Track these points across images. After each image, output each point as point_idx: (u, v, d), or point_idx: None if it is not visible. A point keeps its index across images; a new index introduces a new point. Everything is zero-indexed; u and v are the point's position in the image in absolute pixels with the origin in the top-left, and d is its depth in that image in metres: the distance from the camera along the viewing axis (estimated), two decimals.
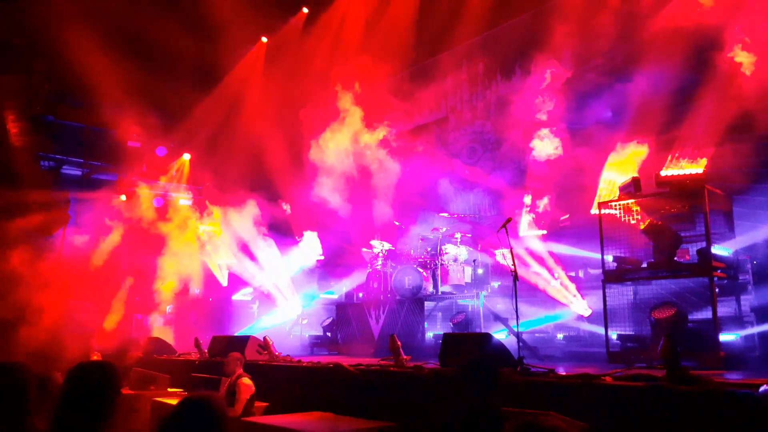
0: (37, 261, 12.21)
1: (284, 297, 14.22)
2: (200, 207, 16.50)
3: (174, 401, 2.76)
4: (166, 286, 14.20)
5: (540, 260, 10.24)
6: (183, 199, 16.58)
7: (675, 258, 7.28)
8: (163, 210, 15.98)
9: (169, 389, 8.46)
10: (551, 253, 10.42)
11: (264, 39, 16.47)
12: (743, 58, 7.86)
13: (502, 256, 8.30)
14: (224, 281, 16.14)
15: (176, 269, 14.98)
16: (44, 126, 14.30)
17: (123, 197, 15.48)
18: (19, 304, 10.82)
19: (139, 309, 14.94)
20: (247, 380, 7.05)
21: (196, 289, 15.78)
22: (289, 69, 15.47)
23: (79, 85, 13.42)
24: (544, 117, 11.13)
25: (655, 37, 9.03)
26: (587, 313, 9.27)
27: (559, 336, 10.03)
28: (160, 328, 14.92)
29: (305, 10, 15.93)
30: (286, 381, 7.83)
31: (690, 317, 7.00)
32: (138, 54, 13.67)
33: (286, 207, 14.85)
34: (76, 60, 12.44)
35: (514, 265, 6.89)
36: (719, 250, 7.44)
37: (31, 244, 12.22)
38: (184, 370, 9.64)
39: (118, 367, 3.17)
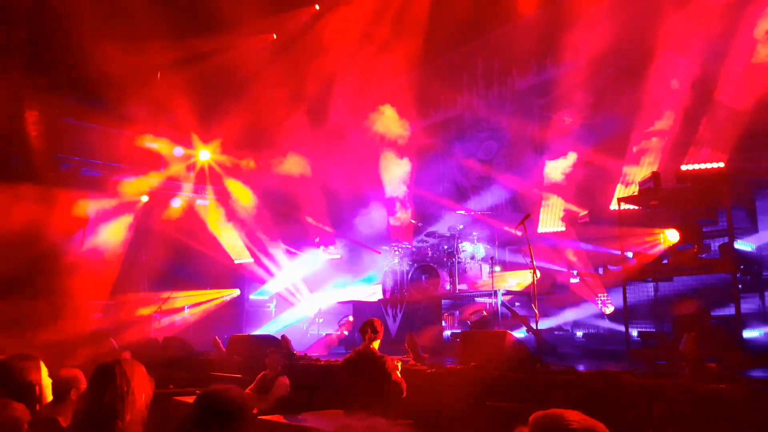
0: (57, 262, 12.37)
1: (302, 296, 14.25)
2: (218, 206, 16.58)
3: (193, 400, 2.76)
4: None
5: (559, 257, 10.16)
6: (201, 199, 16.66)
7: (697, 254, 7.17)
8: (182, 210, 16.08)
9: (188, 388, 8.51)
10: (571, 250, 10.33)
11: (274, 35, 16.47)
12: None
13: (521, 253, 8.23)
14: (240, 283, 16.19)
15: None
16: (64, 128, 14.43)
17: (145, 198, 15.59)
18: (39, 302, 10.94)
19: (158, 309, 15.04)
20: (286, 380, 7.14)
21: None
22: (305, 66, 15.47)
23: (99, 87, 13.53)
24: (561, 113, 11.04)
25: (673, 28, 8.89)
26: (609, 310, 9.16)
27: (579, 333, 9.92)
28: (178, 327, 15.01)
29: (317, 6, 15.92)
30: (304, 379, 7.83)
31: (712, 314, 6.89)
32: (156, 55, 13.76)
33: (311, 220, 14.86)
34: (96, 62, 12.53)
35: (532, 262, 6.82)
36: (742, 245, 7.30)
37: (50, 246, 12.36)
38: (203, 369, 9.69)
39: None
